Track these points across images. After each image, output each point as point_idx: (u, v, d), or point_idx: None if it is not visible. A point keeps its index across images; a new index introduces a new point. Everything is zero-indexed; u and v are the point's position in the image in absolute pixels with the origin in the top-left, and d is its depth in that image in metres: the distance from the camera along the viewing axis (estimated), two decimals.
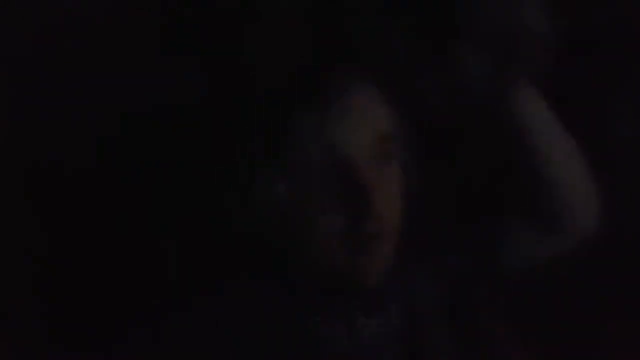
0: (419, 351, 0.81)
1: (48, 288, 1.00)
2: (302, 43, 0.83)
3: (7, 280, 0.98)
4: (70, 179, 1.01)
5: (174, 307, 0.82)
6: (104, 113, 0.99)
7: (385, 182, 0.76)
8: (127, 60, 1.00)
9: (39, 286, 1.00)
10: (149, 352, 0.78)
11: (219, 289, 0.81)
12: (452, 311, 0.84)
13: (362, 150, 0.75)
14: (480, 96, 0.86)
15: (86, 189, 1.01)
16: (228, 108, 0.82)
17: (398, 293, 0.81)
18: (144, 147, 0.98)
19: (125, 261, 0.98)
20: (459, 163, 1.05)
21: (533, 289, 1.05)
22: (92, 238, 1.01)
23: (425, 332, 0.82)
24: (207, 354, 0.76)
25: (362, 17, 1.01)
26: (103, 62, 1.00)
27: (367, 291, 0.76)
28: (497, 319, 0.89)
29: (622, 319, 1.12)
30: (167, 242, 0.96)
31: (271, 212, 0.76)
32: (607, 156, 1.22)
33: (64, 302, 0.99)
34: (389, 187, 0.77)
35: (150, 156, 0.98)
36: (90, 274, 1.00)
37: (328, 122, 0.74)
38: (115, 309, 0.96)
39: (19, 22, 0.99)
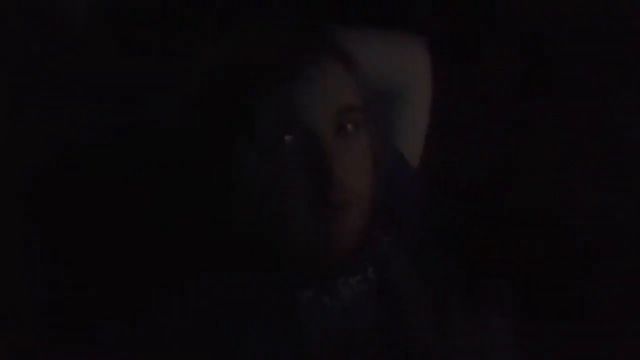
0: (394, 304, 0.84)
1: (47, 288, 1.00)
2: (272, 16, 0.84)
3: (7, 280, 0.98)
4: (70, 179, 1.01)
5: (169, 297, 0.82)
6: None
7: (351, 153, 0.78)
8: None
9: (39, 286, 1.00)
10: (148, 348, 0.80)
11: (200, 271, 0.82)
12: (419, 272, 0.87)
13: (326, 122, 0.76)
14: None
15: (85, 188, 1.01)
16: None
17: (372, 255, 0.84)
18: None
19: (126, 260, 0.98)
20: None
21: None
22: (92, 237, 1.01)
23: (398, 287, 0.85)
24: (199, 335, 0.77)
25: None
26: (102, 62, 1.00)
27: (344, 255, 0.78)
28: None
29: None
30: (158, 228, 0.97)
31: (245, 185, 0.78)
32: (607, 156, 1.22)
33: (64, 302, 0.99)
34: (355, 158, 0.78)
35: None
36: (90, 274, 1.00)
37: (293, 94, 0.76)
38: (115, 308, 0.96)
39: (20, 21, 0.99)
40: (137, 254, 0.96)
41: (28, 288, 0.99)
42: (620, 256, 1.15)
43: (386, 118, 0.99)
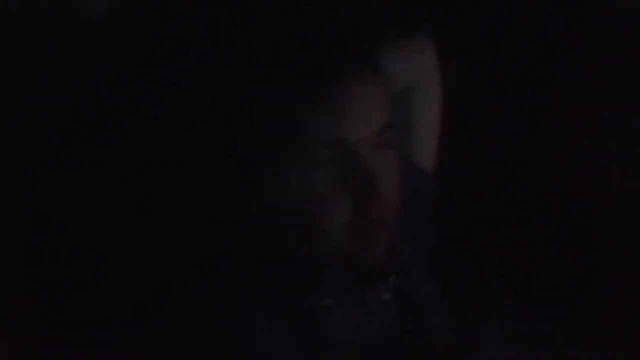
0: (417, 313, 0.86)
1: (47, 288, 0.99)
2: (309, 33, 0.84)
3: (7, 280, 0.98)
4: (69, 177, 1.01)
5: (179, 300, 0.83)
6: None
7: (387, 170, 0.79)
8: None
9: (38, 286, 0.99)
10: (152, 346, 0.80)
11: (230, 274, 0.83)
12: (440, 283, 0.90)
13: (367, 140, 0.77)
14: None
15: (84, 186, 1.01)
16: (238, 96, 0.83)
17: (395, 264, 0.85)
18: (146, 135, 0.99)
19: (127, 259, 0.98)
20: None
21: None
22: (91, 237, 1.00)
23: (418, 294, 0.87)
24: (220, 339, 0.78)
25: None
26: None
27: (374, 267, 0.79)
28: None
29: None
30: (172, 232, 0.97)
31: (282, 201, 0.79)
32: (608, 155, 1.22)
33: (63, 302, 0.98)
34: (390, 174, 0.79)
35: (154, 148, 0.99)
36: (90, 273, 0.99)
37: (335, 113, 0.76)
38: (114, 308, 0.96)
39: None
40: (158, 252, 0.96)
41: (27, 288, 0.99)
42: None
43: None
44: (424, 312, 0.86)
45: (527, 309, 0.92)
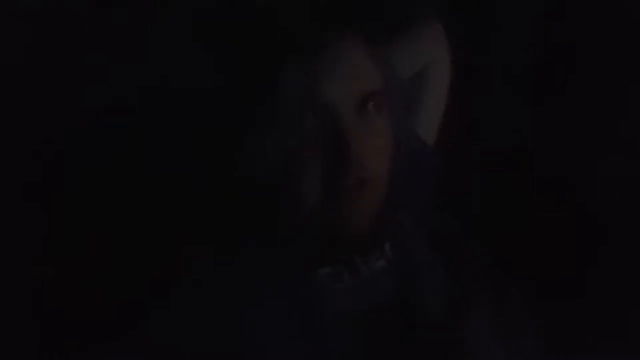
0: (411, 280, 0.85)
1: (46, 288, 0.97)
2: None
3: (7, 280, 0.96)
4: (68, 176, 1.00)
5: (182, 274, 0.82)
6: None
7: (371, 134, 0.78)
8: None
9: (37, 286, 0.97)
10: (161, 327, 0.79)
11: (219, 253, 0.82)
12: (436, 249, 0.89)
13: (348, 106, 0.76)
14: None
15: (84, 185, 1.00)
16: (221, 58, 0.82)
17: (389, 233, 0.85)
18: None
19: (127, 255, 0.96)
20: None
21: None
22: (91, 236, 0.99)
23: (414, 263, 0.86)
24: (213, 312, 0.77)
25: None
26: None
27: (360, 233, 0.78)
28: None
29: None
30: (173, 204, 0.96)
31: (261, 161, 0.78)
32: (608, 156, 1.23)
33: (63, 302, 0.96)
34: (374, 139, 0.78)
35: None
36: (90, 273, 0.98)
37: (317, 75, 0.76)
38: (114, 307, 0.95)
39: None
40: (152, 232, 0.94)
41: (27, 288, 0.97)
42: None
43: (405, 100, 1.00)
44: (419, 281, 0.85)
45: (520, 287, 0.91)
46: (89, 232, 1.00)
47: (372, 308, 0.81)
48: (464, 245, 0.89)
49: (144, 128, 0.98)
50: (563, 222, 1.15)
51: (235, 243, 0.81)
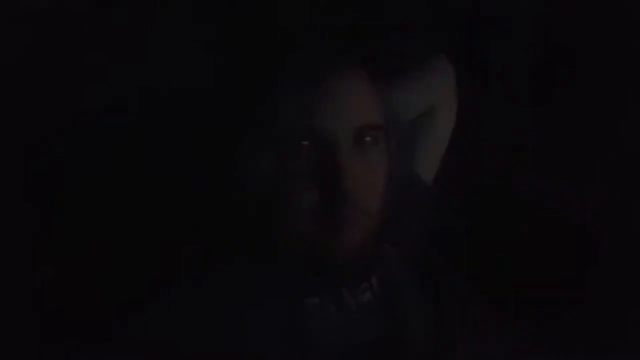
0: (397, 314, 0.84)
1: (46, 288, 0.98)
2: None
3: (7, 280, 0.96)
4: (68, 176, 1.00)
5: (171, 295, 0.82)
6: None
7: (366, 167, 0.78)
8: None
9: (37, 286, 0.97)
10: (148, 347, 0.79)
11: (207, 271, 0.82)
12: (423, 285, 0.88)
13: (347, 137, 0.76)
14: None
15: (83, 184, 1.00)
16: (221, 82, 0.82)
17: (377, 266, 0.85)
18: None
19: (125, 256, 0.96)
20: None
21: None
22: (91, 236, 1.00)
23: (401, 298, 0.85)
24: (200, 335, 0.77)
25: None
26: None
27: (348, 265, 0.78)
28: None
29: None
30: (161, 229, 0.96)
31: (253, 183, 0.78)
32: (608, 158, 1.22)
33: (63, 302, 0.97)
34: (369, 172, 0.78)
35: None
36: (90, 273, 0.98)
37: (317, 102, 0.76)
38: (114, 307, 0.95)
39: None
40: (140, 248, 0.94)
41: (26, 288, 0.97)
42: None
43: (407, 138, 0.99)
44: (404, 316, 0.84)
45: (509, 318, 0.91)
46: (89, 232, 1.00)
47: (357, 341, 0.80)
48: (452, 281, 0.89)
49: (143, 128, 0.98)
50: (555, 260, 1.15)
51: (229, 252, 0.81)
